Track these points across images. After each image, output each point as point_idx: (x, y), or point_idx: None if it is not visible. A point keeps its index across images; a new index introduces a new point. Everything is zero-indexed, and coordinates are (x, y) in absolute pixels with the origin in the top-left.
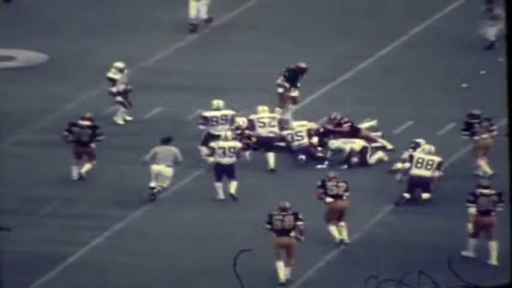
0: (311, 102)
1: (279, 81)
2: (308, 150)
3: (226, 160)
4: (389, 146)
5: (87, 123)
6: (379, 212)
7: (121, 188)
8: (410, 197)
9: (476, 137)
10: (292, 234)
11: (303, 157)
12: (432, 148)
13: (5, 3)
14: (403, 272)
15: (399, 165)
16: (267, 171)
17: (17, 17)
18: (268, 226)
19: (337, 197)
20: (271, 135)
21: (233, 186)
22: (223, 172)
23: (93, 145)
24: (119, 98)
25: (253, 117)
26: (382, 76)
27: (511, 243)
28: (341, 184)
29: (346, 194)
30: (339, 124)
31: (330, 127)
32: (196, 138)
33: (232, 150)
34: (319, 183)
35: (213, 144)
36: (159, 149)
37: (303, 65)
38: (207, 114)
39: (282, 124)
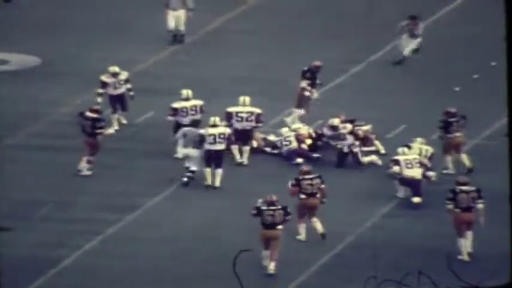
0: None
1: (304, 84)
2: (298, 153)
3: (216, 147)
4: (382, 151)
5: (92, 115)
6: (373, 215)
7: (114, 192)
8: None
9: (450, 135)
10: (279, 227)
11: (299, 160)
12: (406, 149)
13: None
14: (398, 275)
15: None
16: (237, 164)
17: (10, 21)
18: (254, 212)
19: (310, 195)
20: (247, 127)
21: (218, 176)
22: (213, 158)
23: (100, 137)
24: (99, 99)
25: (231, 110)
26: (374, 80)
27: (511, 243)
28: (315, 181)
29: (322, 186)
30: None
31: (327, 131)
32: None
33: (222, 136)
34: (293, 181)
35: (202, 131)
36: (187, 130)
37: (317, 63)
38: (177, 105)
39: (260, 119)
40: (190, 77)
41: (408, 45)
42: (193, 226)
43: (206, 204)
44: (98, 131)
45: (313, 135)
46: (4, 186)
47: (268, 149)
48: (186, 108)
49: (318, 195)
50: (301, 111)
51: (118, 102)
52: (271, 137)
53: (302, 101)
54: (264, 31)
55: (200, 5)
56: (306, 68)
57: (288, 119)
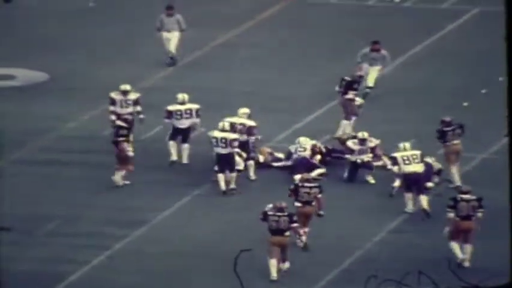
0: (313, 120)
1: (351, 96)
2: (305, 162)
3: (219, 150)
4: (390, 166)
5: (119, 123)
6: (381, 231)
7: (122, 206)
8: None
9: (447, 143)
10: (287, 233)
11: (296, 177)
12: (407, 145)
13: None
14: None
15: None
16: (250, 180)
17: (17, 36)
18: (261, 216)
19: (306, 203)
20: (243, 139)
21: (232, 179)
22: (222, 162)
23: (123, 146)
24: (113, 117)
25: (227, 120)
26: (383, 95)
27: (511, 243)
28: (313, 190)
29: (319, 196)
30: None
31: (353, 145)
32: (196, 157)
33: (223, 141)
34: (292, 186)
35: (209, 133)
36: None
37: (360, 73)
38: (171, 108)
39: (252, 131)
40: (198, 92)
41: (371, 74)
42: (201, 241)
43: (214, 219)
44: (119, 139)
45: (323, 150)
46: (11, 200)
47: (275, 164)
48: (180, 111)
49: (314, 204)
50: (347, 122)
51: (122, 121)
52: (280, 154)
53: (350, 111)
54: (273, 46)
55: (207, 19)
56: (349, 79)
57: (347, 130)
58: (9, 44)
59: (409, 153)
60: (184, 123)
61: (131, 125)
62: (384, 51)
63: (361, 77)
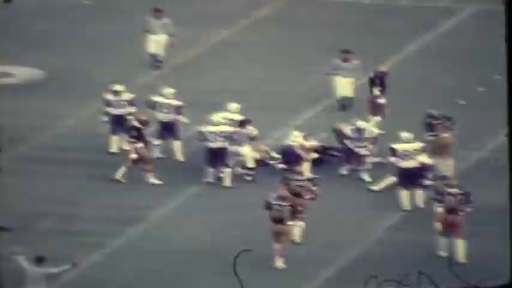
0: (309, 119)
1: (376, 92)
2: (291, 151)
3: (216, 144)
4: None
5: (135, 123)
6: (379, 229)
7: (119, 204)
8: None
9: (436, 135)
10: (289, 223)
11: (281, 166)
12: (410, 136)
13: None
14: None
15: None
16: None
17: (15, 34)
18: (264, 205)
19: (297, 195)
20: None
21: (227, 175)
22: (215, 157)
23: (129, 147)
24: (104, 118)
25: (219, 115)
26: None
27: (511, 243)
28: (306, 183)
29: (314, 188)
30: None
31: (352, 133)
32: (194, 156)
33: (222, 134)
34: (283, 180)
35: (202, 128)
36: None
37: (383, 68)
38: (156, 98)
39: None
40: (193, 90)
41: (345, 87)
42: (199, 239)
43: (212, 217)
44: (129, 139)
45: (319, 148)
46: (8, 198)
47: (271, 162)
48: (160, 104)
49: (307, 197)
50: (378, 118)
51: (118, 123)
52: (277, 156)
53: (376, 109)
54: (269, 44)
55: (203, 18)
56: (372, 76)
57: (366, 125)
58: (6, 41)
59: (409, 146)
60: (163, 118)
61: (146, 126)
62: (355, 62)
63: (384, 73)
